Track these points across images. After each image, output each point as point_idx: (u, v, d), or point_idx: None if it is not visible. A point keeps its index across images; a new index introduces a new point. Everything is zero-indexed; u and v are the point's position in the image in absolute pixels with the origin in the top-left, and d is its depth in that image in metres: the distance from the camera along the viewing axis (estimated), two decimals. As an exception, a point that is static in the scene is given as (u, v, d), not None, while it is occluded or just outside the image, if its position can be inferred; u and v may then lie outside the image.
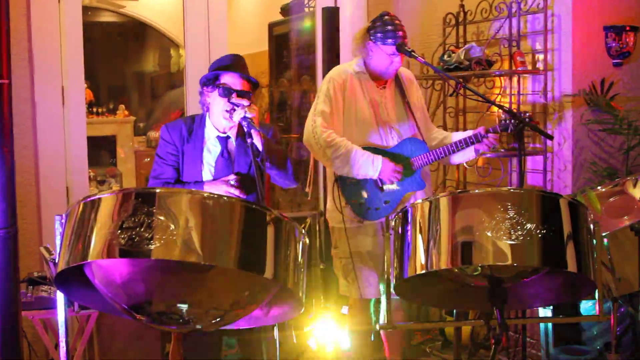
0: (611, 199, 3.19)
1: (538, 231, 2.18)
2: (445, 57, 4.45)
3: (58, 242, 2.21)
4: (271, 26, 6.78)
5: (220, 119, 3.10)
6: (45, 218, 4.33)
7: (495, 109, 4.23)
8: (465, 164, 4.25)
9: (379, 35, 3.36)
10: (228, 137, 3.16)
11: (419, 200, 2.44)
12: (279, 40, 6.71)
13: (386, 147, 3.43)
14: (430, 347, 4.53)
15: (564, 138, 4.14)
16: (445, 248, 2.27)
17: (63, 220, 2.18)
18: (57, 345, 2.86)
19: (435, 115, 4.75)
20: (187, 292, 2.11)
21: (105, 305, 2.27)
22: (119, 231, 1.94)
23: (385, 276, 2.51)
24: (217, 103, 3.09)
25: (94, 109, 7.83)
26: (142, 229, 1.93)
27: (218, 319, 2.22)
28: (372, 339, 3.62)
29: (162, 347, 3.95)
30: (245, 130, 2.86)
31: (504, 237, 2.17)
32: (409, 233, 2.39)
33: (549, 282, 2.52)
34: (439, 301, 2.88)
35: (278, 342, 2.63)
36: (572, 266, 2.24)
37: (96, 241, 1.98)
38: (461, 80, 3.47)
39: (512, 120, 3.23)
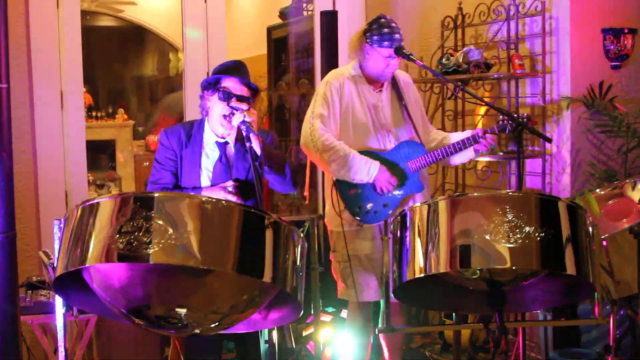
0: (610, 202, 3.19)
1: (537, 234, 2.18)
2: (444, 60, 4.46)
3: (57, 246, 2.21)
4: (270, 30, 6.79)
5: (218, 125, 3.09)
6: (44, 222, 4.32)
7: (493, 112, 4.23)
8: (464, 166, 4.25)
9: (375, 38, 3.36)
10: (227, 143, 3.15)
11: (418, 204, 2.44)
12: (278, 44, 6.71)
13: (383, 151, 3.43)
14: (430, 351, 4.52)
15: (563, 141, 4.14)
16: (444, 251, 2.27)
17: (62, 225, 2.18)
18: (56, 350, 2.85)
19: (434, 118, 4.75)
20: (186, 296, 2.11)
21: (104, 309, 2.27)
22: (118, 235, 1.94)
23: (384, 280, 2.51)
24: (216, 107, 3.08)
25: (93, 113, 7.81)
26: (140, 233, 1.93)
27: (217, 323, 2.22)
28: (371, 342, 3.61)
29: (161, 351, 3.95)
30: (244, 134, 2.86)
31: (503, 240, 2.17)
32: (407, 236, 2.39)
33: (548, 285, 2.52)
34: (438, 304, 2.88)
35: (277, 346, 2.62)
36: (571, 269, 2.24)
37: (95, 245, 1.98)
38: (459, 83, 3.47)
39: (510, 121, 3.23)
